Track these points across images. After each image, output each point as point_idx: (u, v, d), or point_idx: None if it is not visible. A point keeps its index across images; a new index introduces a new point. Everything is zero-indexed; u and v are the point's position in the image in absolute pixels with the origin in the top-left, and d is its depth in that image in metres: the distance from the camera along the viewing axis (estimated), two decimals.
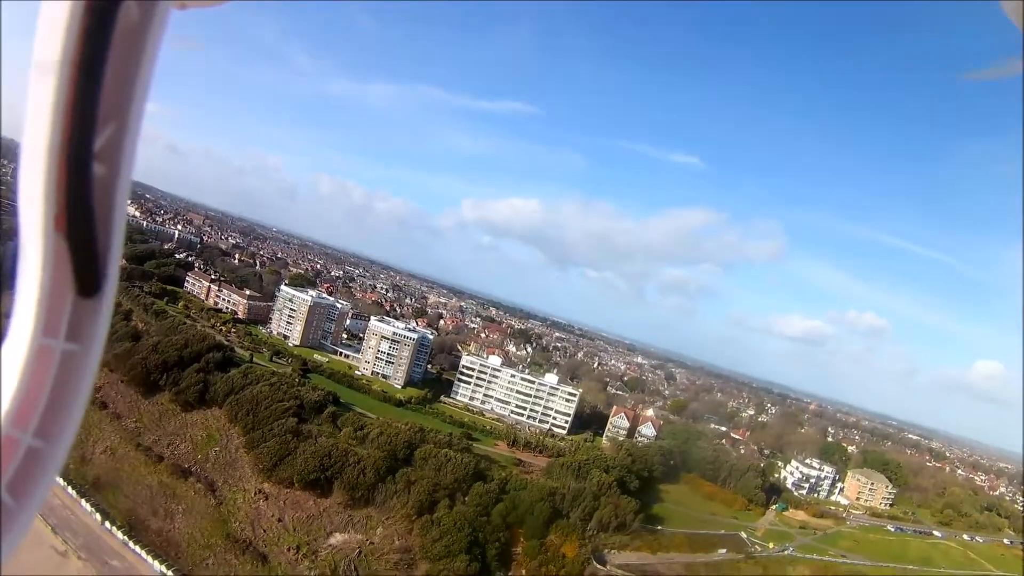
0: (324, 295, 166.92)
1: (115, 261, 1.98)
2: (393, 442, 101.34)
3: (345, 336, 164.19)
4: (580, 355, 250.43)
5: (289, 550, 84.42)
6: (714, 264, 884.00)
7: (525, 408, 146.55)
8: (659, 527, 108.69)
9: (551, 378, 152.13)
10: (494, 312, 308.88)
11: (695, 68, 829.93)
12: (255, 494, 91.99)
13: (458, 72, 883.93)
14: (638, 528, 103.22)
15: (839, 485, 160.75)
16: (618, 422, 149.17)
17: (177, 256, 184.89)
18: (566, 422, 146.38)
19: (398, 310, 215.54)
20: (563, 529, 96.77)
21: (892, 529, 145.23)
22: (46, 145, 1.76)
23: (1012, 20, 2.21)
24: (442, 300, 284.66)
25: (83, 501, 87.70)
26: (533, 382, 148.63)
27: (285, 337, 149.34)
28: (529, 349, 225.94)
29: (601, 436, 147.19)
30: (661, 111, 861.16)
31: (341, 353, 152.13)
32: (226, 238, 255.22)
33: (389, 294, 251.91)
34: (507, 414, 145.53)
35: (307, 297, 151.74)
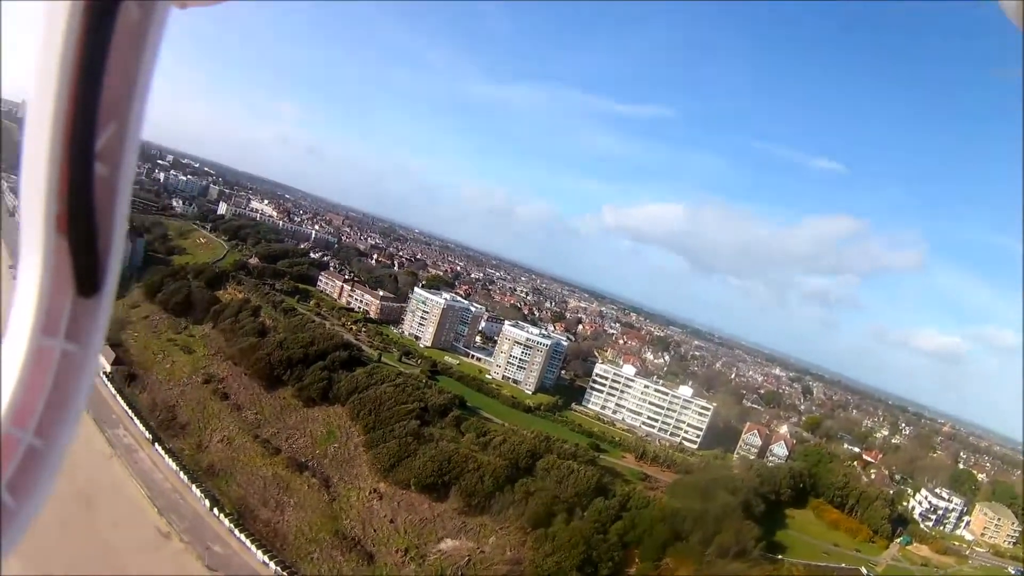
0: (459, 298, 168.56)
1: (116, 261, 2.05)
2: (516, 450, 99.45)
3: (480, 340, 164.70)
4: (718, 365, 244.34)
5: (397, 552, 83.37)
6: (854, 274, 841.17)
7: (657, 420, 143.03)
8: (780, 556, 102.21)
9: (685, 390, 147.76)
10: (634, 318, 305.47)
11: (836, 69, 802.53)
12: (370, 493, 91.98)
13: (596, 75, 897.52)
14: (758, 557, 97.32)
15: (966, 518, 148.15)
16: (750, 439, 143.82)
17: (312, 256, 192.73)
18: (697, 436, 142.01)
19: (537, 314, 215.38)
20: (681, 553, 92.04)
21: (1013, 572, 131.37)
22: (47, 145, 1.84)
23: (1012, 20, 2.26)
24: (582, 305, 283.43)
25: (194, 487, 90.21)
26: (667, 394, 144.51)
27: (417, 338, 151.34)
28: (667, 357, 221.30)
29: (732, 453, 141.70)
30: (801, 114, 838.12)
31: (473, 356, 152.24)
32: (365, 239, 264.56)
33: (529, 297, 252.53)
34: (638, 425, 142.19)
35: (440, 300, 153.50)
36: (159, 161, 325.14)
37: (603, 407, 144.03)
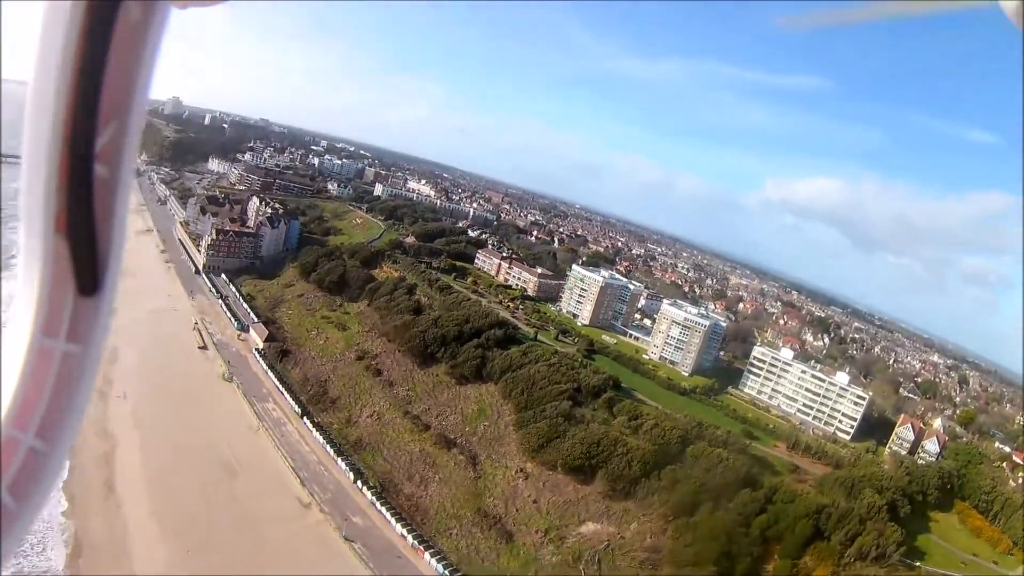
0: (616, 276, 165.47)
1: (116, 260, 2.08)
2: (667, 436, 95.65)
3: (639, 317, 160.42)
4: (877, 349, 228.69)
5: (537, 532, 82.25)
6: (1014, 256, 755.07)
7: (812, 408, 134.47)
8: (918, 563, 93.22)
9: (842, 377, 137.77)
10: (795, 297, 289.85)
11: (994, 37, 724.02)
12: (516, 472, 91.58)
13: (748, 47, 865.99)
14: (896, 562, 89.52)
15: None
16: (903, 433, 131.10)
17: (470, 233, 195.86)
18: (851, 427, 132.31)
19: (697, 291, 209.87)
20: (820, 552, 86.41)
21: None
22: (47, 145, 1.88)
23: (1012, 20, 2.30)
24: (743, 282, 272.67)
25: (339, 460, 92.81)
26: (823, 380, 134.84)
27: (574, 316, 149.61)
28: (826, 340, 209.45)
29: (884, 447, 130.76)
30: (956, 84, 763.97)
31: (631, 335, 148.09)
32: (525, 215, 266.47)
33: (690, 274, 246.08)
34: (793, 412, 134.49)
35: (598, 277, 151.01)
36: (312, 147, 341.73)
37: (759, 392, 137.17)
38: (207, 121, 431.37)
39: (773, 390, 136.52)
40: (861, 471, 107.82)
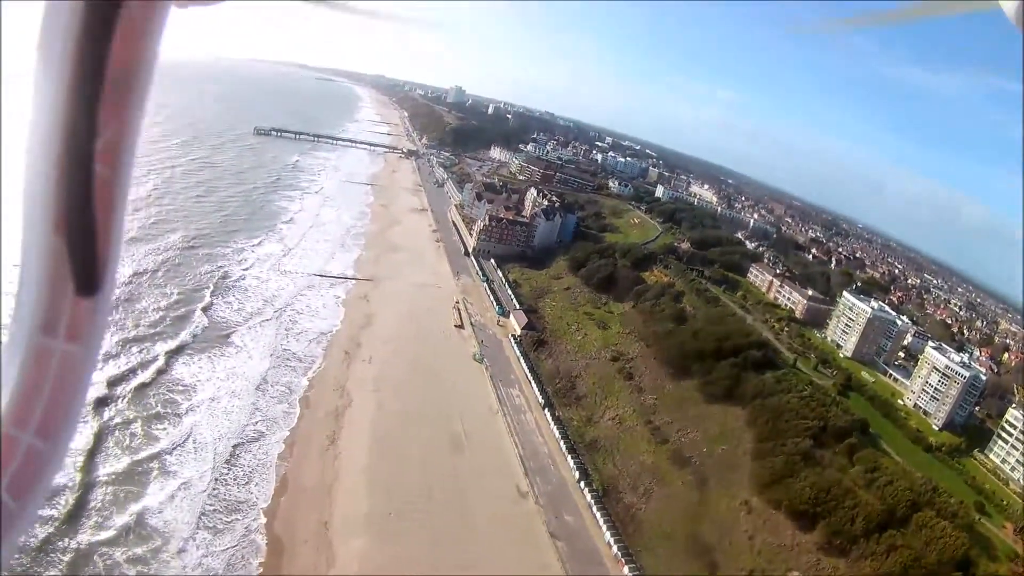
0: (886, 308, 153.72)
1: (115, 260, 2.13)
2: (898, 496, 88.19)
3: (903, 355, 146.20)
4: None
5: (741, 570, 79.90)
6: None
7: None
8: None
9: None
10: None
11: None
12: (740, 504, 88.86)
13: None
14: None
15: None
16: None
17: (747, 245, 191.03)
18: None
19: (965, 333, 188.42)
20: None
21: None
22: (47, 145, 1.89)
23: (1012, 20, 2.31)
24: (1013, 328, 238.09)
25: (569, 456, 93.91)
26: None
27: (838, 346, 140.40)
28: None
29: None
30: None
31: (890, 375, 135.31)
32: (805, 230, 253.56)
33: (961, 313, 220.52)
34: None
35: (867, 308, 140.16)
36: (597, 143, 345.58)
37: (1003, 460, 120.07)
38: (490, 110, 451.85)
39: (1017, 461, 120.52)
40: None
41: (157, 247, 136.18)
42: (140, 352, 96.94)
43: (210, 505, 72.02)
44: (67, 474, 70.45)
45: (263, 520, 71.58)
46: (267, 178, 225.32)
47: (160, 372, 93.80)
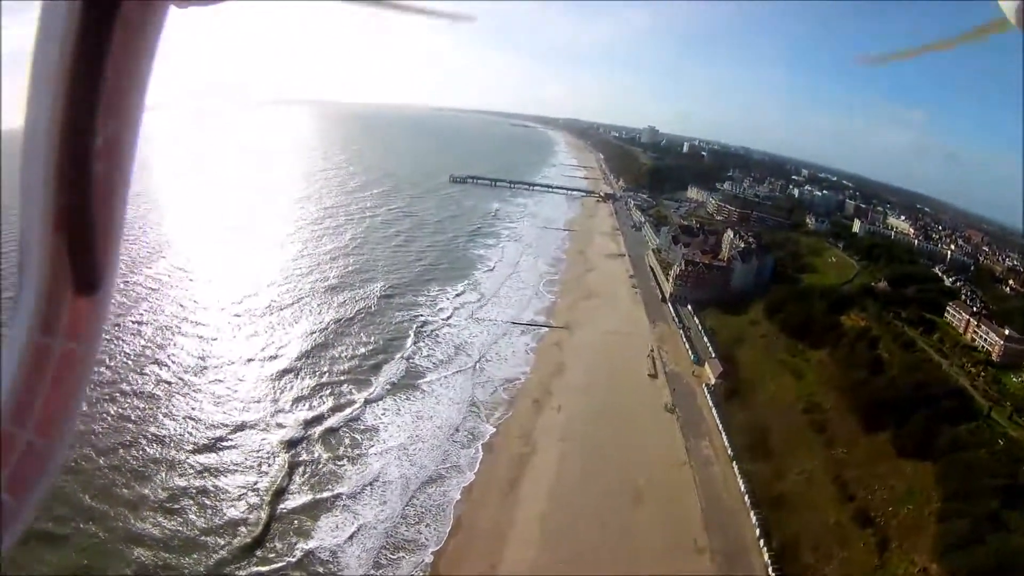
0: None
1: (115, 259, 2.26)
2: None
3: None
4: None
5: None
6: None
7: None
8: None
9: None
10: None
11: None
12: (917, 572, 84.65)
13: None
14: None
15: None
16: None
17: (945, 280, 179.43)
18: None
19: None
20: None
21: None
22: (46, 144, 1.96)
23: (1012, 20, 2.48)
24: None
25: (752, 512, 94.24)
26: None
27: None
28: None
29: None
30: None
31: None
32: (1002, 258, 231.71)
33: None
34: None
35: None
36: (794, 177, 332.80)
37: None
38: (685, 149, 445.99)
39: None
40: None
41: (355, 296, 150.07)
42: (334, 396, 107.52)
43: (381, 542, 77.96)
44: (252, 506, 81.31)
45: (430, 559, 76.14)
46: (466, 227, 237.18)
47: (352, 418, 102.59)
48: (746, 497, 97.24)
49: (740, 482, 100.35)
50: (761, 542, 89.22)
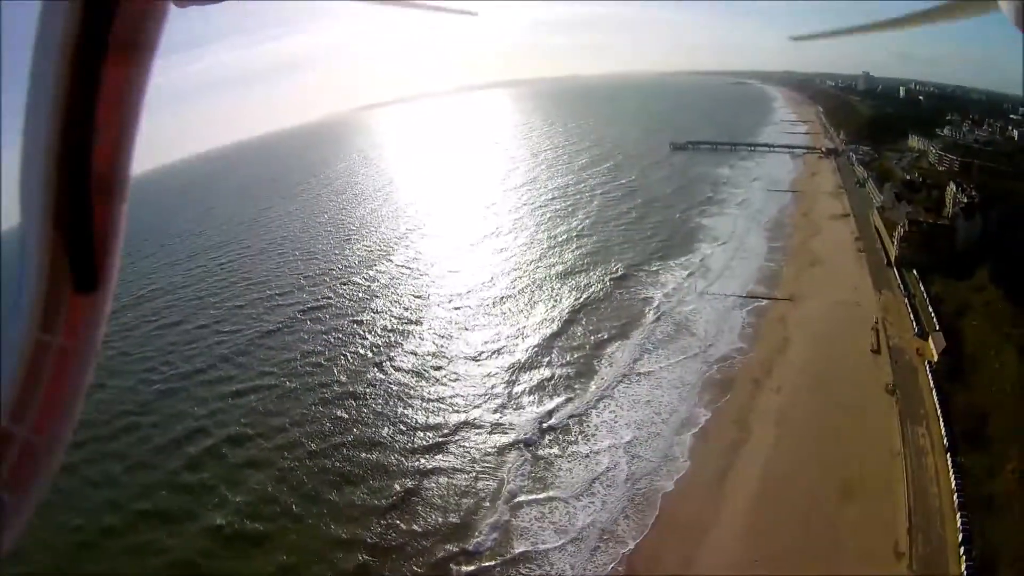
0: None
1: (116, 258, 2.31)
2: None
3: None
4: None
5: None
6: None
7: None
8: None
9: None
10: None
11: None
12: None
13: None
14: None
15: None
16: None
17: None
18: None
19: None
20: None
21: None
22: (45, 143, 1.99)
23: (1012, 20, 2.60)
24: None
25: (959, 515, 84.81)
26: None
27: None
28: None
29: None
30: None
31: None
32: None
33: None
34: None
35: None
36: (1011, 116, 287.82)
37: None
38: (902, 94, 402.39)
39: None
40: None
41: (587, 281, 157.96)
42: (565, 389, 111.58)
43: (586, 532, 79.98)
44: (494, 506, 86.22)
45: (629, 548, 77.42)
46: (696, 197, 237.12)
47: (580, 413, 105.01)
48: (955, 496, 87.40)
49: (952, 478, 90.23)
50: (961, 549, 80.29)
